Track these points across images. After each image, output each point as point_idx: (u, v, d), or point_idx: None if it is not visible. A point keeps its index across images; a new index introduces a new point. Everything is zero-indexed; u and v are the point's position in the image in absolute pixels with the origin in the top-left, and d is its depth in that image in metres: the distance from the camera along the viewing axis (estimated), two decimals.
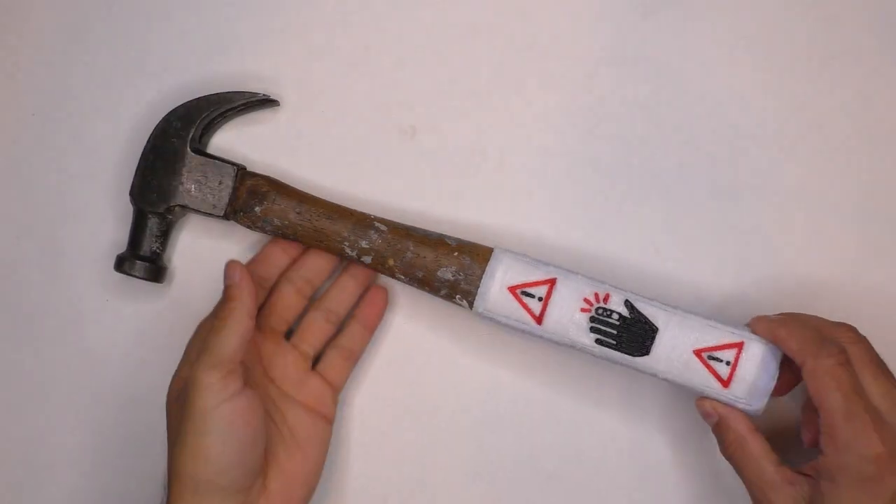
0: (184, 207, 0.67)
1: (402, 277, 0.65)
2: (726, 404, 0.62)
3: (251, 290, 0.61)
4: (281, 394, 0.65)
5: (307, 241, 0.66)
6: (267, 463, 0.62)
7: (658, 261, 0.69)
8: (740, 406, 0.61)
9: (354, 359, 0.68)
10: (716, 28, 0.69)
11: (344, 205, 0.67)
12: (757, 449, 0.60)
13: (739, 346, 0.61)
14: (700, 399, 0.62)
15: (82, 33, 0.72)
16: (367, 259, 0.65)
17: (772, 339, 0.61)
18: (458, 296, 0.64)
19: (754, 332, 0.62)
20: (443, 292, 0.64)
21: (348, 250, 0.65)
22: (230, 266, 0.62)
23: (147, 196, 0.67)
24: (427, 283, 0.65)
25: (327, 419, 0.66)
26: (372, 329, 0.68)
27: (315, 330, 0.67)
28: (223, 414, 0.58)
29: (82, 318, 0.72)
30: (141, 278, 0.67)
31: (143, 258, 0.67)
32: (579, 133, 0.70)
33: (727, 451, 0.62)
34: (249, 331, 0.60)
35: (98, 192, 0.71)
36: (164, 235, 0.68)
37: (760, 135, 0.69)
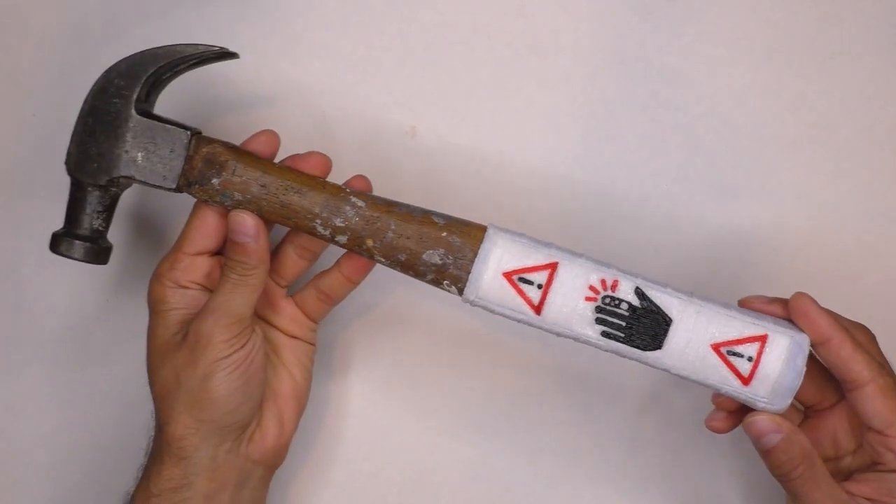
0: (129, 179, 0.60)
1: (383, 260, 0.59)
2: (757, 406, 0.56)
3: (268, 246, 0.60)
4: (259, 318, 0.65)
5: (273, 217, 0.60)
6: None
7: (658, 260, 0.69)
8: (760, 406, 0.57)
9: (331, 303, 0.66)
10: (716, 28, 0.69)
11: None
12: (823, 467, 0.56)
13: (763, 340, 0.56)
14: (753, 417, 0.56)
15: (82, 33, 0.72)
16: (343, 239, 0.59)
17: (826, 337, 0.57)
18: (446, 281, 0.58)
19: (793, 313, 0.57)
20: (429, 277, 0.59)
21: (320, 229, 0.59)
22: (244, 220, 0.59)
23: (86, 166, 0.60)
24: (411, 266, 0.59)
25: (308, 342, 0.66)
26: (353, 281, 0.65)
27: (286, 261, 0.64)
28: (233, 360, 0.59)
29: (82, 317, 0.72)
30: (80, 260, 0.60)
31: (83, 237, 0.60)
32: (579, 133, 0.70)
33: (792, 471, 0.56)
34: (263, 286, 0.60)
35: None
36: (108, 211, 0.61)
37: (760, 135, 0.69)
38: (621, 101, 0.69)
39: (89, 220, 0.60)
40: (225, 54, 0.63)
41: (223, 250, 0.62)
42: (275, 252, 0.65)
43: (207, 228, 0.61)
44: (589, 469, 0.70)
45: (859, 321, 0.61)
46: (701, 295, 0.58)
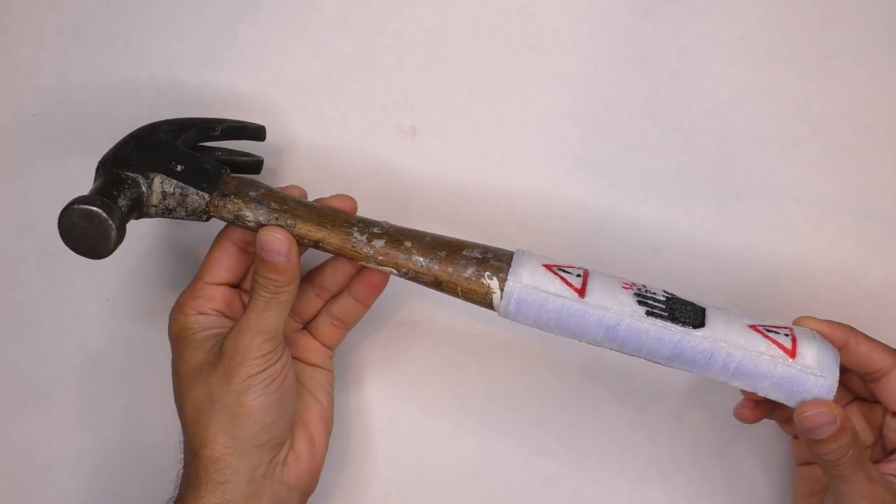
0: (165, 176, 0.60)
1: (422, 259, 0.59)
2: (796, 381, 0.55)
3: (299, 261, 0.60)
4: None
5: (307, 226, 0.60)
6: None
7: (658, 261, 0.69)
8: (811, 382, 0.55)
9: (346, 328, 0.67)
10: (716, 28, 0.69)
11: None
12: (864, 448, 0.57)
13: (790, 329, 0.57)
14: (808, 410, 0.55)
15: (82, 33, 0.72)
16: (379, 243, 0.59)
17: (843, 341, 0.59)
18: (487, 273, 0.58)
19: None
20: (469, 271, 0.58)
21: (357, 234, 0.60)
22: (278, 238, 0.59)
23: (124, 164, 0.60)
24: (451, 261, 0.58)
25: (326, 369, 0.66)
26: (365, 304, 0.66)
27: (304, 302, 0.66)
28: (268, 374, 0.59)
29: (82, 318, 0.72)
30: (93, 214, 0.56)
31: (104, 204, 0.57)
32: (579, 133, 0.70)
33: (843, 457, 0.55)
34: (293, 301, 0.61)
35: None
36: (133, 205, 0.59)
37: (760, 135, 0.69)
38: (621, 101, 0.69)
39: (114, 199, 0.58)
40: (255, 131, 0.67)
41: (242, 284, 0.64)
42: None
43: (229, 260, 0.63)
44: (589, 469, 0.70)
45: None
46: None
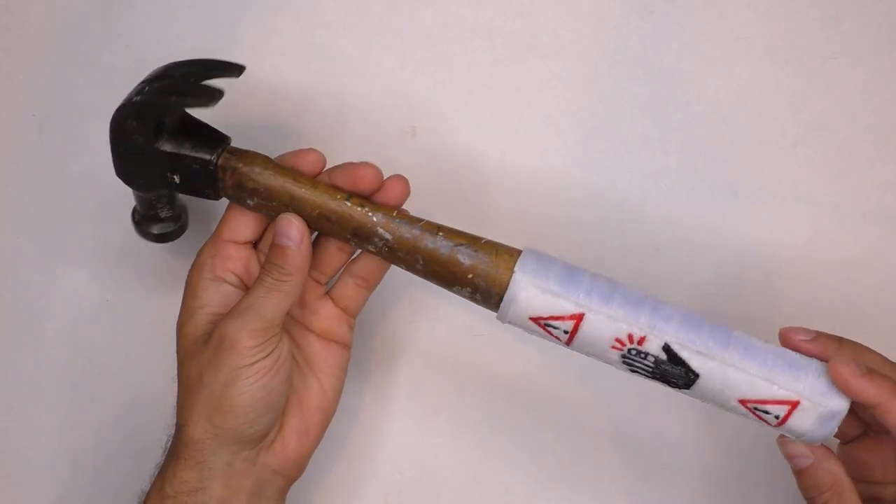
0: (173, 187, 0.61)
1: (441, 233, 0.59)
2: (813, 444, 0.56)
3: (310, 254, 0.59)
4: (294, 323, 0.64)
5: (318, 191, 0.59)
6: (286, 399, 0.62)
7: (658, 261, 0.69)
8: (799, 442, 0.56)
9: (370, 287, 0.64)
10: (716, 28, 0.69)
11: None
12: (853, 497, 0.55)
13: (794, 405, 0.55)
14: (784, 440, 0.57)
15: (82, 33, 0.72)
16: (379, 215, 0.59)
17: (873, 404, 0.54)
18: (478, 294, 0.58)
19: (834, 382, 0.55)
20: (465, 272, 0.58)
21: (357, 206, 0.59)
22: (289, 223, 0.58)
23: (134, 182, 0.61)
24: (459, 234, 0.59)
25: (344, 345, 0.64)
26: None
27: (327, 257, 0.63)
28: (257, 369, 0.57)
29: (82, 318, 0.72)
30: (156, 240, 0.63)
31: (159, 220, 0.63)
32: (579, 133, 0.70)
33: (817, 497, 0.56)
34: (297, 296, 0.59)
35: (98, 193, 0.71)
36: (169, 203, 0.63)
37: (760, 135, 0.69)
38: (621, 101, 0.69)
39: (159, 211, 0.62)
40: (227, 68, 0.62)
41: (259, 244, 0.63)
42: (315, 245, 0.63)
43: (245, 217, 0.61)
44: (589, 469, 0.70)
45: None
46: (738, 340, 0.56)
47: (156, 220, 0.63)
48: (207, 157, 0.59)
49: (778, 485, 0.68)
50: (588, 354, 0.57)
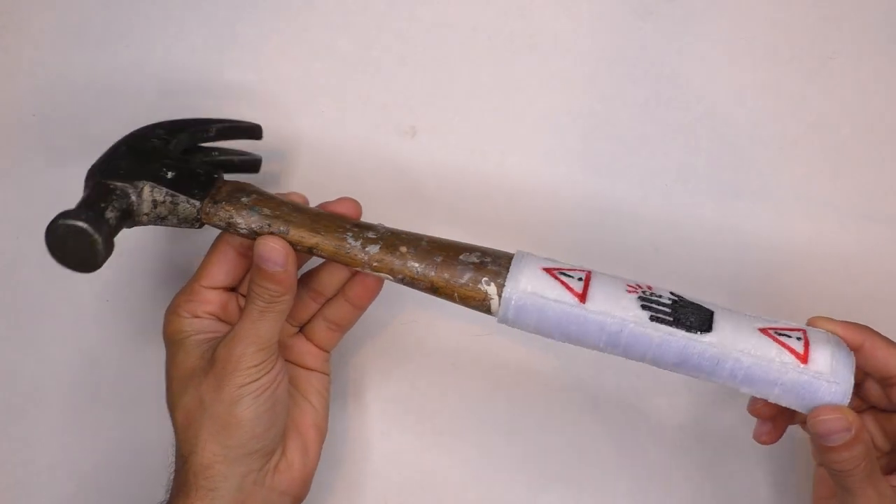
0: (154, 185, 0.58)
1: (416, 265, 0.57)
2: (809, 388, 0.53)
3: (296, 270, 0.59)
4: None
5: (300, 232, 0.58)
6: None
7: (658, 261, 0.69)
8: (825, 387, 0.53)
9: (341, 330, 0.66)
10: (716, 28, 0.69)
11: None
12: (877, 462, 0.55)
13: (803, 332, 0.55)
14: (822, 415, 0.53)
15: (82, 33, 0.72)
16: (374, 248, 0.58)
17: (858, 343, 0.56)
18: (485, 278, 0.57)
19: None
20: (466, 277, 0.57)
21: (351, 239, 0.58)
22: (275, 248, 0.58)
23: (112, 173, 0.58)
24: (447, 267, 0.57)
25: (323, 372, 0.66)
26: (360, 307, 0.64)
27: (299, 307, 0.64)
28: (260, 384, 0.58)
29: (82, 318, 0.72)
30: (77, 231, 0.55)
31: (89, 218, 0.56)
32: (579, 133, 0.70)
33: (854, 469, 0.54)
34: (289, 311, 0.60)
35: None
36: (123, 216, 0.58)
37: (760, 135, 0.69)
38: (621, 101, 0.69)
39: (101, 211, 0.57)
40: (251, 129, 0.66)
41: (238, 288, 0.64)
42: None
43: (226, 264, 0.62)
44: (589, 469, 0.70)
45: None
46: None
47: (92, 212, 0.56)
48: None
49: (779, 484, 0.68)
50: (603, 312, 0.55)
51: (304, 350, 0.65)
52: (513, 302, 0.56)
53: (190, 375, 0.60)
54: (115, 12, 0.72)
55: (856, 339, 0.56)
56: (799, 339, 0.54)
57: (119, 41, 0.72)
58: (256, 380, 0.58)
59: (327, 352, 0.66)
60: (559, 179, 0.70)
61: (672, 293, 0.56)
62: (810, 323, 0.57)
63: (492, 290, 0.56)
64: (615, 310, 0.55)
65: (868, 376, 0.59)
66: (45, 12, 0.73)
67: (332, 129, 0.71)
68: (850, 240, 0.68)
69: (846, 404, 0.53)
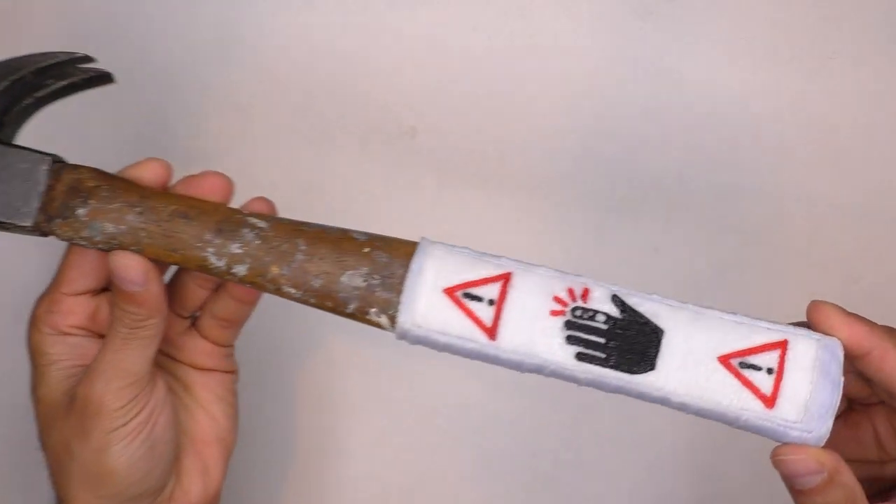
0: None
1: (294, 292, 0.48)
2: (779, 435, 0.44)
3: (162, 289, 0.50)
4: (161, 355, 0.54)
5: (155, 252, 0.49)
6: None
7: (658, 261, 0.69)
8: (795, 435, 0.44)
9: (234, 327, 0.55)
10: (716, 28, 0.69)
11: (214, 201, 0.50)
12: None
13: (783, 347, 0.45)
14: (787, 453, 0.44)
15: (82, 33, 0.72)
16: (241, 269, 0.48)
17: (864, 349, 0.46)
18: (373, 309, 0.47)
19: (815, 326, 0.46)
20: (352, 307, 0.48)
21: (214, 259, 0.49)
22: (127, 264, 0.48)
23: None
24: (329, 294, 0.48)
25: (225, 370, 0.56)
26: (249, 303, 0.54)
27: (186, 294, 0.54)
28: (131, 428, 0.50)
29: None
30: None
31: None
32: (579, 133, 0.70)
33: None
34: (161, 336, 0.50)
35: None
36: None
37: (760, 135, 0.69)
38: (621, 101, 0.69)
39: None
40: (97, 78, 0.55)
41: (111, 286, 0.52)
42: (172, 281, 0.54)
43: (87, 265, 0.51)
44: (590, 469, 0.70)
45: None
46: (697, 303, 0.47)
47: None
48: (41, 154, 0.51)
49: (780, 483, 0.68)
50: (517, 351, 0.45)
51: (198, 348, 0.55)
52: (409, 336, 0.47)
53: (54, 414, 0.51)
54: (115, 12, 0.72)
55: (862, 345, 0.46)
56: (770, 371, 0.44)
57: (119, 41, 0.72)
58: (126, 423, 0.49)
59: (226, 346, 0.56)
60: (559, 179, 0.70)
61: (615, 300, 0.45)
62: (812, 311, 0.47)
63: (384, 321, 0.48)
64: (532, 346, 0.45)
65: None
66: (45, 12, 0.73)
67: (332, 129, 0.71)
68: (850, 240, 0.68)
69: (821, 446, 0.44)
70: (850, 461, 0.47)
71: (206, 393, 0.55)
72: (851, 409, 0.52)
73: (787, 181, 0.69)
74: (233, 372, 0.56)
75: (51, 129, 0.73)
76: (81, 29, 0.72)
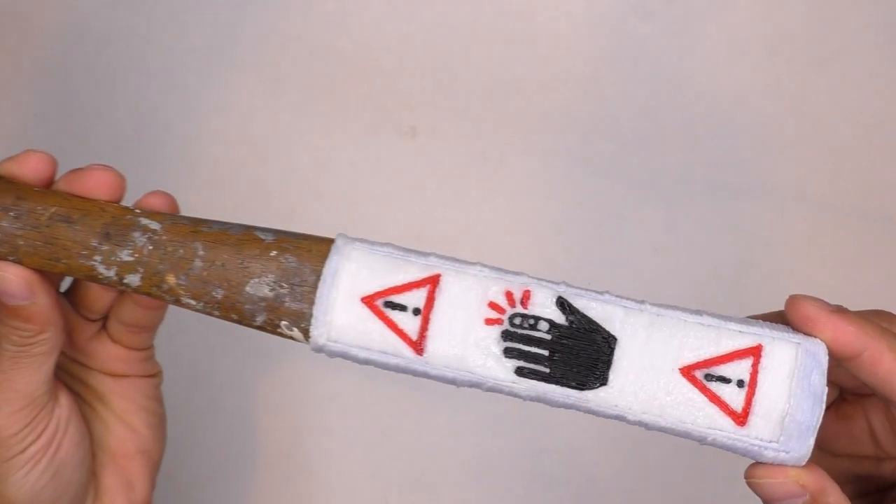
0: None
1: (194, 303, 0.42)
2: (752, 453, 0.39)
3: (54, 299, 0.44)
4: (70, 361, 0.49)
5: (35, 262, 0.42)
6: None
7: (658, 261, 0.69)
8: (770, 456, 0.39)
9: (146, 332, 0.49)
10: (716, 28, 0.69)
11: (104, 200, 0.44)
12: None
13: (756, 353, 0.38)
14: (759, 469, 0.40)
15: (82, 33, 0.72)
16: (134, 280, 0.42)
17: (854, 351, 0.39)
18: (284, 322, 0.41)
19: (796, 325, 0.40)
20: (260, 319, 0.41)
21: (102, 269, 0.42)
22: (10, 279, 0.42)
23: None
24: (232, 306, 0.41)
25: (143, 375, 0.50)
26: (155, 308, 0.48)
27: (91, 295, 0.47)
28: (30, 454, 0.45)
29: None
30: None
31: None
32: (579, 133, 0.70)
33: None
34: (58, 350, 0.45)
35: None
36: None
37: (760, 135, 0.69)
38: (621, 101, 0.69)
39: None
40: None
41: None
42: (75, 281, 0.48)
43: None
44: (590, 470, 0.70)
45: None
46: (657, 302, 0.40)
47: None
48: None
49: None
50: (449, 367, 0.40)
51: (111, 354, 0.49)
52: (325, 351, 0.41)
53: None
54: (115, 12, 0.72)
55: (851, 347, 0.39)
56: (741, 384, 0.38)
57: (119, 41, 0.72)
58: (24, 450, 0.44)
59: (143, 349, 0.50)
60: (558, 179, 0.70)
61: (560, 303, 0.39)
62: (790, 307, 0.40)
63: (297, 335, 0.42)
64: (465, 361, 0.40)
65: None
66: (45, 12, 0.73)
67: (332, 129, 0.71)
68: (850, 240, 0.68)
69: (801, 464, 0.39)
70: (842, 456, 0.44)
71: (123, 402, 0.49)
72: (843, 399, 0.46)
73: (787, 181, 0.69)
74: (153, 375, 0.50)
75: (51, 130, 0.73)
76: (81, 29, 0.72)
